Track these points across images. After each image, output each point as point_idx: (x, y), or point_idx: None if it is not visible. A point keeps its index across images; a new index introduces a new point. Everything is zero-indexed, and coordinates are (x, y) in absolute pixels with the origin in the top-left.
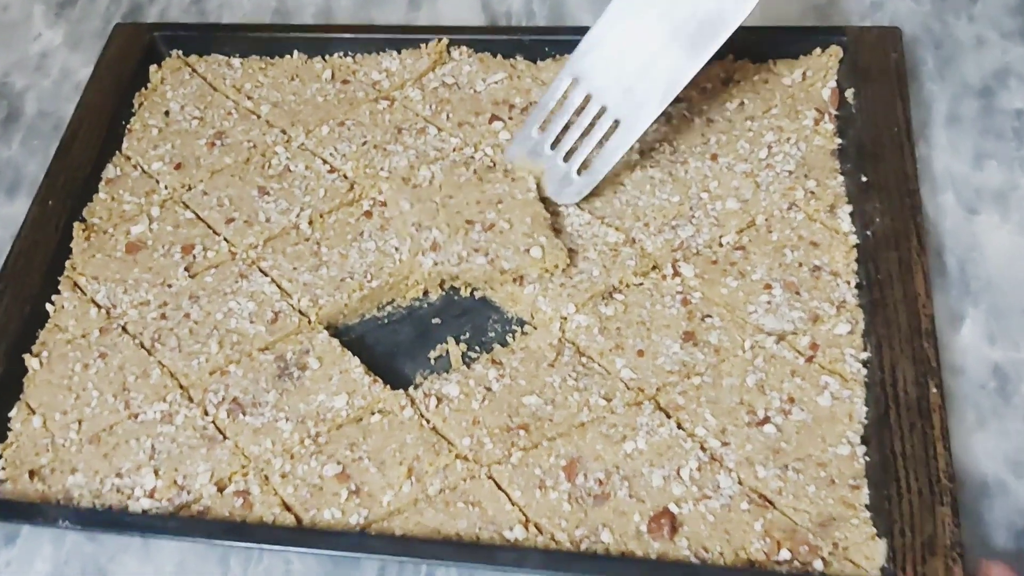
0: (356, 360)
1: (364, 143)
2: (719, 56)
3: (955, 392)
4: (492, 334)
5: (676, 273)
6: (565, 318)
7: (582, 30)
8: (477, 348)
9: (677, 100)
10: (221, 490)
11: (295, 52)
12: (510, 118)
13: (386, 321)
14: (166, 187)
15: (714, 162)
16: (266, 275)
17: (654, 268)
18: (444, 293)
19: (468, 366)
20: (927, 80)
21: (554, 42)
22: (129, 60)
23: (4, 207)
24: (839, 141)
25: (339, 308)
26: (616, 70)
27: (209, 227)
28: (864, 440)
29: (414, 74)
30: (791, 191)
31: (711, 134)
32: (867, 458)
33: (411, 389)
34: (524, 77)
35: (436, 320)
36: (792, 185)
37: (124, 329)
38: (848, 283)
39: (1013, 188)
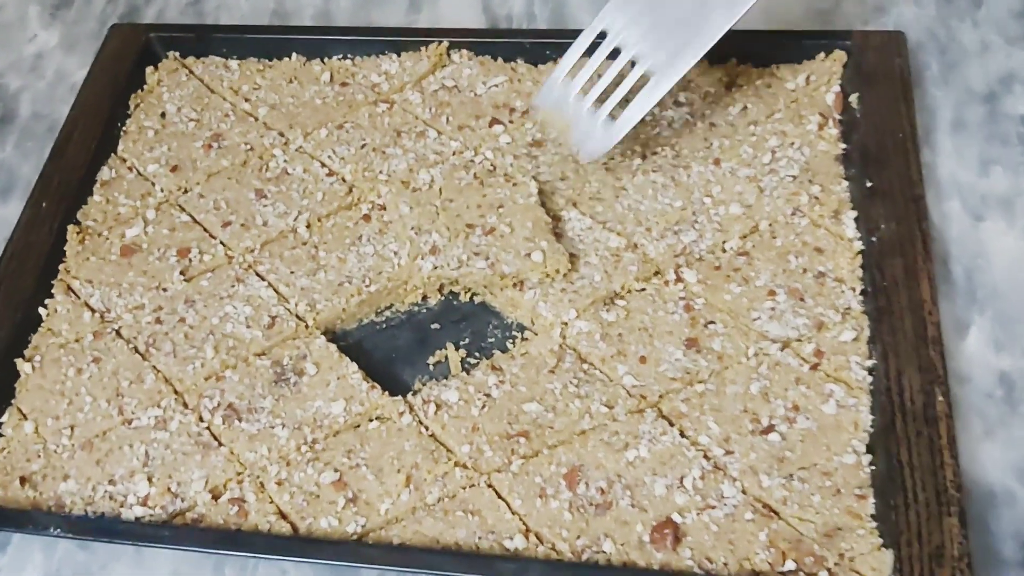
0: (354, 366)
1: (363, 146)
2: (722, 60)
3: (961, 401)
4: (492, 340)
5: (679, 279)
6: (566, 324)
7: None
8: (477, 354)
9: (679, 104)
10: (216, 498)
11: (293, 54)
12: (511, 121)
13: (384, 326)
14: (162, 189)
15: (717, 167)
16: (263, 279)
17: (656, 274)
18: (443, 298)
19: (467, 372)
20: (931, 85)
21: (556, 45)
22: (125, 61)
23: None
24: (843, 146)
25: (337, 313)
26: (648, 22)
27: (205, 230)
28: (870, 449)
29: (414, 77)
30: (795, 196)
31: (714, 138)
32: (873, 467)
33: (410, 395)
34: (525, 80)
35: (435, 325)
36: (796, 190)
37: (118, 333)
38: (853, 289)
39: (1019, 194)
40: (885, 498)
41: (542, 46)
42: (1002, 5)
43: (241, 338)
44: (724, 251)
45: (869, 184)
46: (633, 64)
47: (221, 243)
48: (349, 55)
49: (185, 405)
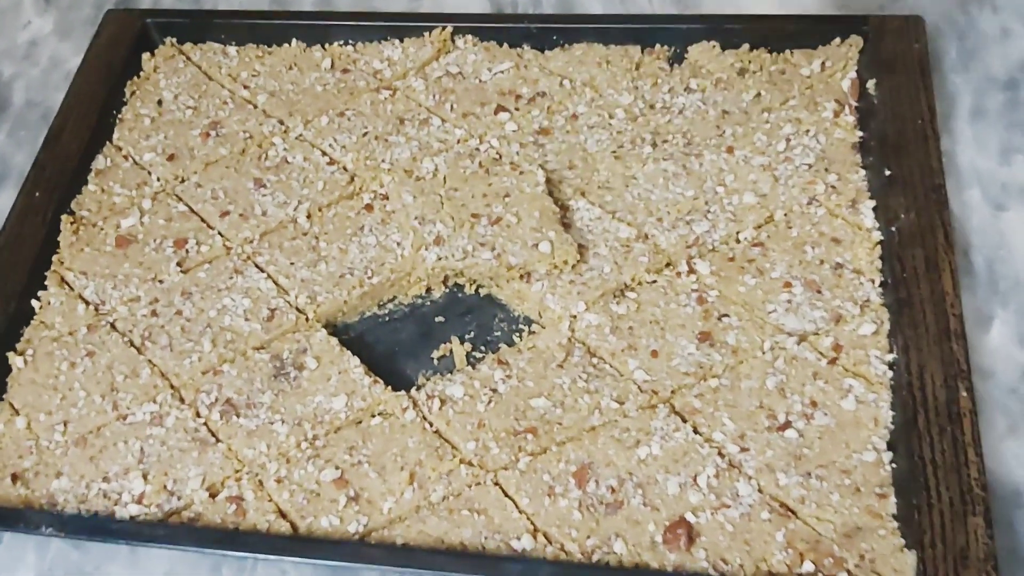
0: (356, 360)
1: (365, 134)
2: (734, 45)
3: (984, 396)
4: (498, 333)
5: (691, 270)
6: (575, 317)
7: (591, 18)
8: (482, 348)
9: (690, 90)
10: (213, 496)
11: (294, 40)
12: (517, 109)
13: (387, 319)
14: (158, 179)
15: (730, 155)
16: (262, 271)
17: (668, 265)
18: (448, 290)
19: (473, 366)
20: (950, 72)
21: (562, 30)
22: (121, 48)
23: None
24: (860, 134)
25: (338, 305)
26: None
27: (203, 220)
28: (891, 446)
29: (417, 63)
30: (811, 185)
31: (727, 126)
32: (894, 465)
33: (413, 390)
34: (531, 67)
35: (439, 318)
36: (812, 179)
37: (113, 326)
38: (872, 281)
39: None
40: (907, 497)
41: (549, 31)
42: None
43: (239, 331)
44: (738, 242)
45: (888, 172)
46: None
47: (219, 234)
48: (351, 41)
49: (182, 400)
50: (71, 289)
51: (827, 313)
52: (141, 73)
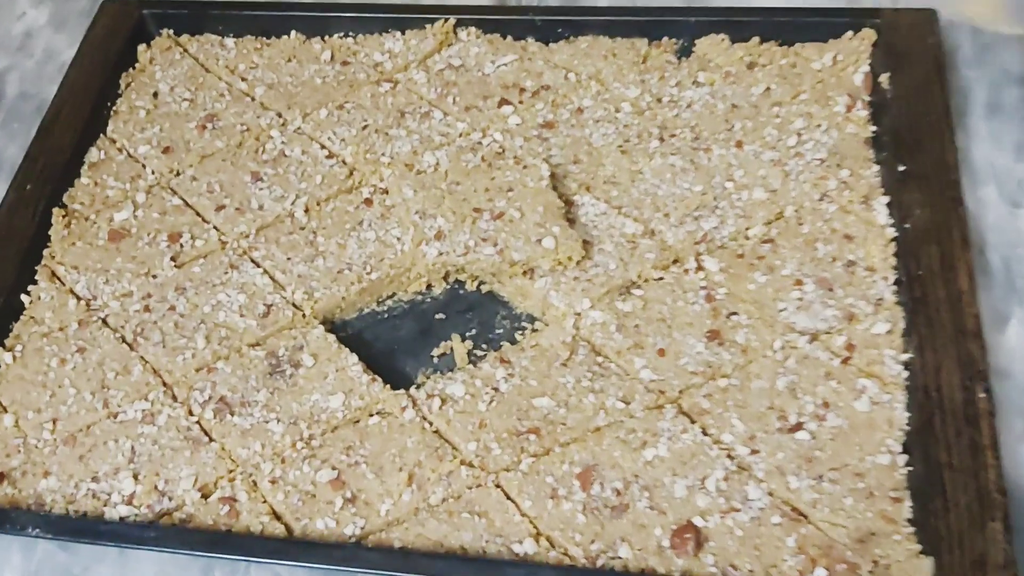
0: (354, 357)
1: (365, 127)
2: (744, 38)
3: (1001, 398)
4: (500, 331)
5: (699, 267)
6: (579, 314)
7: (597, 10)
8: (484, 346)
9: (699, 84)
10: (206, 496)
11: (292, 32)
12: (520, 102)
13: (386, 316)
14: (153, 172)
15: (739, 149)
16: (258, 266)
17: (675, 262)
18: (449, 286)
19: (474, 365)
20: (964, 67)
21: (568, 23)
22: (116, 39)
23: None
24: (873, 128)
25: (336, 301)
26: None
27: (198, 214)
28: (906, 449)
29: (419, 55)
30: (823, 181)
31: (736, 120)
32: (909, 468)
33: (413, 389)
34: (535, 59)
35: (440, 315)
36: (824, 174)
37: (104, 322)
38: (886, 279)
39: None
40: (922, 502)
41: (553, 24)
42: None
43: (234, 327)
44: (747, 238)
45: (902, 168)
46: None
47: (214, 228)
48: (351, 33)
49: (174, 398)
50: (62, 284)
51: (840, 312)
52: (137, 65)
